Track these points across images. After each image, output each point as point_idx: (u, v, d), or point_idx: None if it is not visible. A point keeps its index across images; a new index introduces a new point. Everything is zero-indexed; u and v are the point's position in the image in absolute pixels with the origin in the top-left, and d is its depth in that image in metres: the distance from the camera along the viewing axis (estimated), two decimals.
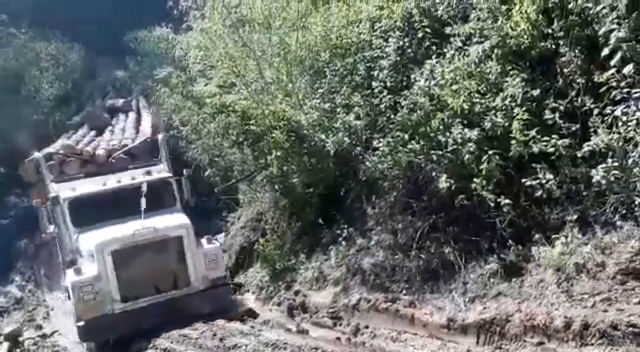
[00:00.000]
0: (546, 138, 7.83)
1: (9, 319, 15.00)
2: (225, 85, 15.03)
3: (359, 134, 10.73)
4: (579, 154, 7.63)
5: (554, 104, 8.15)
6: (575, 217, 7.66)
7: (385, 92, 10.29)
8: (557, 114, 8.06)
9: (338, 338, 9.49)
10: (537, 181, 7.87)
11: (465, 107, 8.75)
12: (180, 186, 12.61)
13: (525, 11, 8.26)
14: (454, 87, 8.88)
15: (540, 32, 8.37)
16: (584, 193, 7.72)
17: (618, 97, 7.16)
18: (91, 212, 11.55)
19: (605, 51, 7.16)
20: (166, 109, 16.89)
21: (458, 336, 8.23)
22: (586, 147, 7.49)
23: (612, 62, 7.11)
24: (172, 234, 11.32)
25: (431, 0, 10.25)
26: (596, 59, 7.65)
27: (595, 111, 7.60)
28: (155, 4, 17.50)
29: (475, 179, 8.36)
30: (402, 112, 9.62)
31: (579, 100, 7.99)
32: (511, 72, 8.55)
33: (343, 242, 10.97)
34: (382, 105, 10.29)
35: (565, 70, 8.25)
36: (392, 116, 10.02)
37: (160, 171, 12.64)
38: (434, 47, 9.89)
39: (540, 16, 8.29)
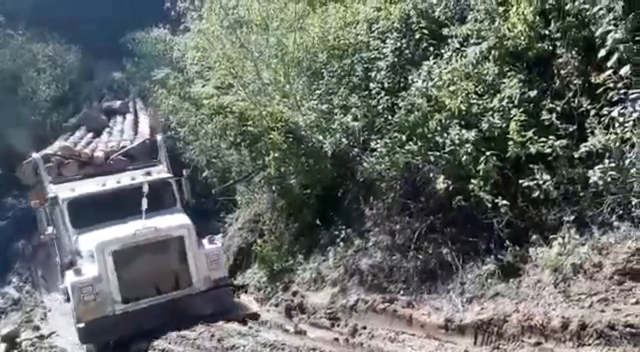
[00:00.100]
0: (543, 139, 7.86)
1: (6, 320, 14.87)
2: (223, 86, 15.01)
3: (356, 135, 10.73)
4: (576, 155, 7.67)
5: (551, 105, 8.18)
6: (572, 217, 7.69)
7: (383, 93, 10.30)
8: (554, 115, 8.09)
9: (336, 339, 9.46)
10: (535, 182, 7.90)
11: (463, 108, 8.77)
12: (180, 187, 12.57)
13: (523, 12, 8.28)
14: (452, 88, 8.90)
15: (537, 34, 8.39)
16: (581, 194, 7.74)
17: (615, 98, 7.18)
18: (91, 212, 11.48)
19: (602, 52, 7.19)
20: (163, 110, 16.89)
21: (456, 337, 8.24)
22: (583, 148, 7.53)
23: (609, 63, 7.13)
24: (174, 234, 11.26)
25: (428, 1, 10.26)
26: (593, 60, 7.66)
27: (592, 112, 7.63)
28: (155, 4, 17.42)
29: (472, 180, 8.39)
30: (400, 113, 9.64)
31: (576, 101, 8.00)
32: (508, 73, 8.58)
33: (341, 243, 10.98)
34: (379, 107, 10.30)
35: (562, 71, 8.26)
36: (390, 117, 10.03)
37: (160, 172, 12.60)
38: (431, 48, 9.90)
39: (538, 17, 8.31)
